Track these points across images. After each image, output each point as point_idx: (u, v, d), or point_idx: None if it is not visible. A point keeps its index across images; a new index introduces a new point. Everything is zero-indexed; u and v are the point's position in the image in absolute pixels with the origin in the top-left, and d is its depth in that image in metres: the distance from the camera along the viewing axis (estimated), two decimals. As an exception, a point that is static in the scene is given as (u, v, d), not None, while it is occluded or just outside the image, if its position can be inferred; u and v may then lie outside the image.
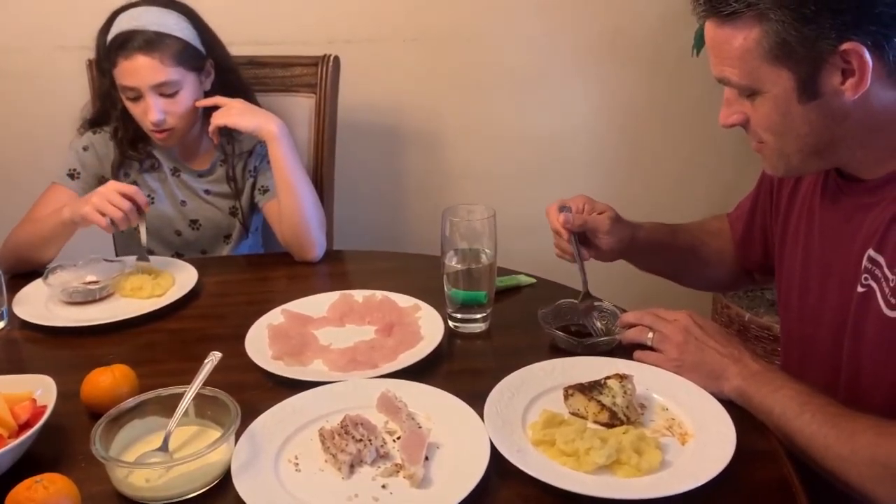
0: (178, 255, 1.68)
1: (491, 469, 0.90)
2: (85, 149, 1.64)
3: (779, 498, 0.88)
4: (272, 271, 1.57)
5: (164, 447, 0.94)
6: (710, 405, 1.01)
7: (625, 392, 1.01)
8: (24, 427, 0.96)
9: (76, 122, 1.69)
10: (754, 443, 0.96)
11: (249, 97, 1.65)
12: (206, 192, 1.70)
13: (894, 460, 0.86)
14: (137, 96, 1.53)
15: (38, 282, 1.42)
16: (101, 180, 1.60)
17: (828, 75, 0.92)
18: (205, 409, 0.99)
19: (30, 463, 0.93)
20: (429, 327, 1.25)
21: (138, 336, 1.29)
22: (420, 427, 0.98)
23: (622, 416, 0.99)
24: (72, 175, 1.61)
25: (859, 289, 1.01)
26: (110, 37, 1.53)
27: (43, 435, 0.96)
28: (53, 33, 2.08)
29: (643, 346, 1.14)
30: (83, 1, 1.75)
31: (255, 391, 1.10)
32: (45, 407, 0.97)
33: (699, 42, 1.98)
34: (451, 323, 1.27)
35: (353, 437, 0.94)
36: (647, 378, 1.07)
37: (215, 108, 1.58)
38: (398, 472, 0.92)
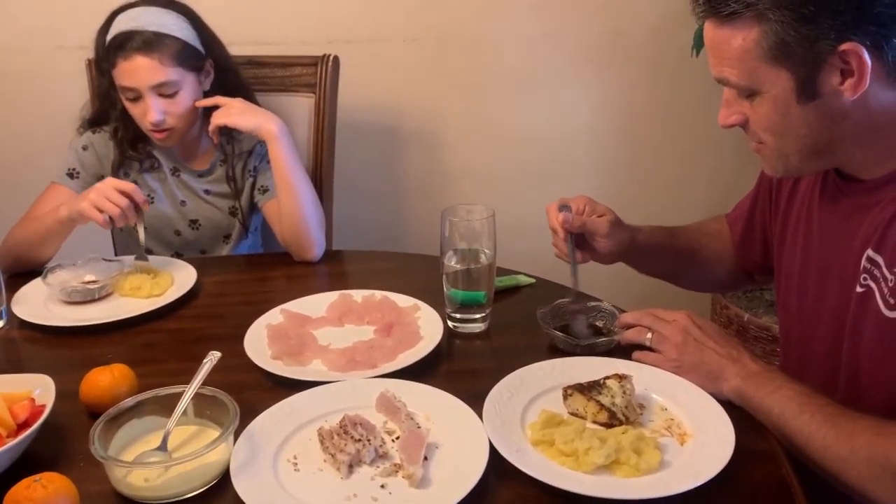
0: (178, 255, 1.68)
1: (490, 469, 0.90)
2: (84, 148, 1.64)
3: (778, 498, 0.88)
4: (271, 271, 1.57)
5: (162, 447, 0.94)
6: (709, 405, 1.01)
7: (624, 392, 1.01)
8: (22, 426, 0.96)
9: (76, 122, 1.69)
10: (753, 443, 0.96)
11: (249, 97, 1.65)
12: (206, 191, 1.70)
13: (893, 460, 0.86)
14: (137, 97, 1.53)
15: (37, 281, 1.42)
16: (101, 180, 1.60)
17: (827, 76, 0.92)
18: (204, 408, 0.99)
19: (28, 462, 0.93)
20: (428, 327, 1.25)
21: (137, 336, 1.29)
22: (419, 427, 0.98)
23: (621, 416, 0.99)
24: (71, 175, 1.61)
25: (858, 289, 1.01)
26: (109, 37, 1.53)
27: (42, 434, 0.96)
28: (53, 33, 2.08)
29: (642, 347, 1.14)
30: (83, 1, 1.75)
31: (253, 391, 1.09)
32: (43, 406, 0.97)
33: (699, 42, 1.98)
34: (450, 323, 1.27)
35: (352, 437, 0.94)
36: (646, 378, 1.07)
37: (215, 107, 1.58)
38: (397, 471, 0.92)
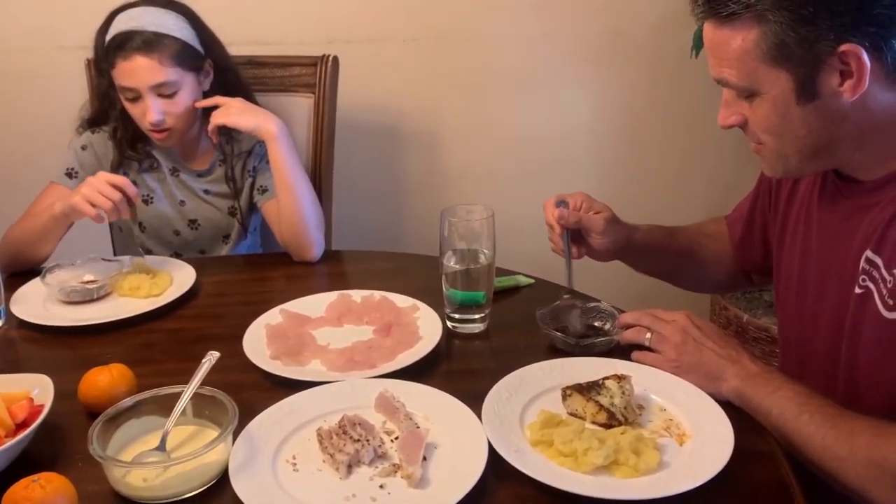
0: (177, 255, 1.67)
1: (489, 469, 0.90)
2: (83, 148, 1.64)
3: (777, 498, 0.88)
4: (270, 271, 1.57)
5: (161, 447, 0.94)
6: (708, 406, 1.01)
7: (623, 392, 1.01)
8: (21, 426, 0.96)
9: (76, 122, 1.69)
10: (752, 443, 0.96)
11: (249, 97, 1.65)
12: (205, 191, 1.70)
13: (892, 461, 0.86)
14: (136, 97, 1.53)
15: (36, 281, 1.41)
16: (99, 179, 1.60)
17: (826, 77, 0.92)
18: (202, 408, 0.99)
19: (27, 462, 0.93)
20: (427, 327, 1.25)
21: (136, 335, 1.29)
22: (418, 427, 0.98)
23: (620, 416, 0.99)
24: (70, 174, 1.61)
25: (857, 290, 1.00)
26: (109, 37, 1.53)
27: (40, 434, 0.96)
28: (53, 33, 2.09)
29: (641, 347, 1.14)
30: (83, 1, 1.74)
31: (252, 391, 1.09)
32: (42, 406, 0.97)
33: (698, 43, 1.98)
34: (449, 323, 1.27)
35: (351, 437, 0.94)
36: (646, 379, 1.07)
37: (215, 107, 1.57)
38: (396, 472, 0.92)
